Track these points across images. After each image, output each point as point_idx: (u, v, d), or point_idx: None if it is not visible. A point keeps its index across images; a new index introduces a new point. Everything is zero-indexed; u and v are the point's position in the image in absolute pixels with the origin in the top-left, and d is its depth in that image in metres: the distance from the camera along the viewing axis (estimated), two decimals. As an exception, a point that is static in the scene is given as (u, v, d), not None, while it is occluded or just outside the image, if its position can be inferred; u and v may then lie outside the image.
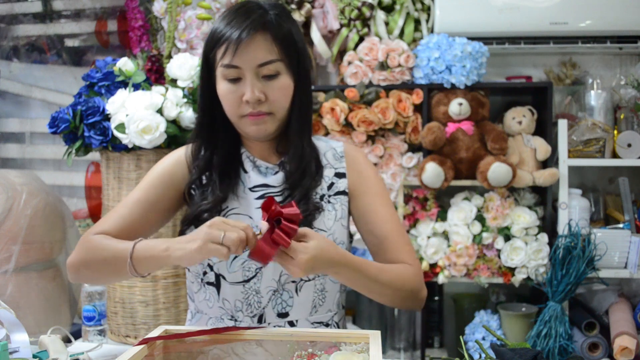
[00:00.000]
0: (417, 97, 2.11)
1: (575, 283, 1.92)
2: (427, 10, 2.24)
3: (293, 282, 1.20)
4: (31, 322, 1.86)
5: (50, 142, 2.70)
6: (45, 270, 2.00)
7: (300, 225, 1.04)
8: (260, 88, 1.15)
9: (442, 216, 2.10)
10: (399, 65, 2.12)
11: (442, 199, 2.19)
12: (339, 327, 1.29)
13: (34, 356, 1.11)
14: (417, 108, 2.14)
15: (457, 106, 2.05)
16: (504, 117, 2.15)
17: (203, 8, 2.16)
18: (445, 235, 2.08)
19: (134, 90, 1.73)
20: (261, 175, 1.24)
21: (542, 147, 2.06)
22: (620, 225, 2.05)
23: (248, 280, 1.20)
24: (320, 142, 1.32)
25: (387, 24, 2.24)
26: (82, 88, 1.81)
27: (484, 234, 2.03)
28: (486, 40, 2.16)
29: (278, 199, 1.22)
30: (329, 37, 2.30)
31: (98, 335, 1.54)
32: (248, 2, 1.19)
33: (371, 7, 2.19)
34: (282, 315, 1.21)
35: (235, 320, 1.22)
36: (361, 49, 2.16)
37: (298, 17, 2.21)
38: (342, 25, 2.25)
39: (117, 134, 1.66)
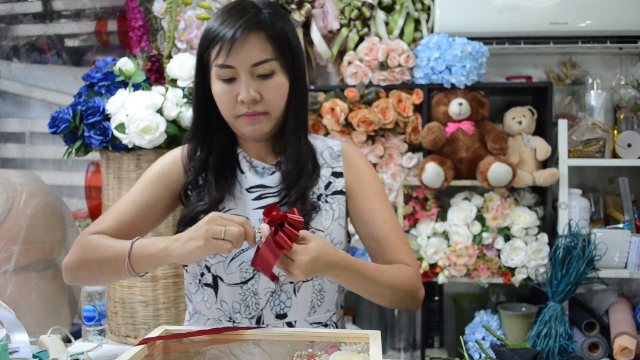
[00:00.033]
0: (417, 97, 2.11)
1: (575, 283, 1.92)
2: (427, 10, 2.24)
3: (291, 282, 1.20)
4: (31, 322, 1.86)
5: (50, 142, 2.70)
6: (45, 270, 2.00)
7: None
8: (255, 87, 1.14)
9: (442, 216, 2.10)
10: (399, 65, 2.12)
11: (442, 199, 2.19)
12: (337, 327, 1.28)
13: (34, 356, 1.11)
14: (417, 108, 2.14)
15: (457, 106, 2.05)
16: (504, 117, 2.15)
17: (203, 8, 2.15)
18: (445, 235, 2.08)
19: (134, 90, 1.73)
20: (258, 176, 1.24)
21: (542, 147, 2.06)
22: (620, 225, 2.05)
23: (246, 282, 1.20)
24: (317, 141, 1.31)
25: (387, 24, 2.24)
26: (82, 88, 1.81)
27: (484, 234, 2.03)
28: (486, 40, 2.16)
29: (275, 199, 1.21)
30: (329, 37, 2.30)
31: (98, 335, 1.54)
32: (242, 0, 1.18)
33: (371, 7, 2.19)
34: (281, 316, 1.21)
35: (234, 322, 1.21)
36: (361, 49, 2.16)
37: (298, 17, 2.21)
38: (342, 25, 2.25)
39: (117, 134, 1.66)
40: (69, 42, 2.70)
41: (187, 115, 1.71)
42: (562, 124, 2.04)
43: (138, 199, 1.23)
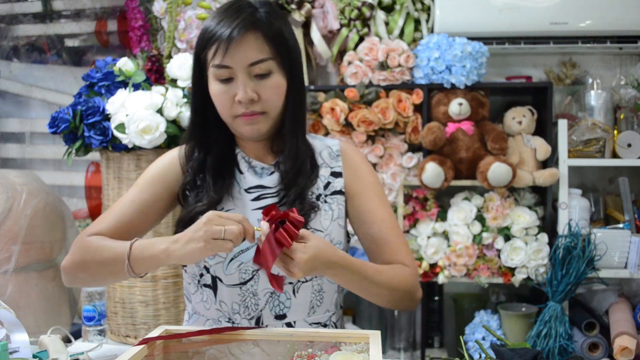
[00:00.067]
0: (417, 97, 2.11)
1: (575, 283, 1.92)
2: (427, 10, 2.24)
3: (290, 283, 1.20)
4: (31, 322, 1.86)
5: (50, 142, 2.70)
6: (45, 270, 2.00)
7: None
8: (253, 87, 1.14)
9: (442, 216, 2.09)
10: (399, 65, 2.12)
11: (442, 199, 2.19)
12: (337, 328, 1.28)
13: (34, 356, 1.11)
14: (417, 108, 2.14)
15: (457, 106, 2.05)
16: (504, 117, 2.15)
17: (203, 8, 2.16)
18: (445, 235, 2.08)
19: (134, 90, 1.73)
20: (256, 176, 1.24)
21: (542, 147, 2.06)
22: (620, 225, 2.05)
23: (245, 283, 1.20)
24: (316, 140, 1.31)
25: (387, 24, 2.24)
26: (82, 88, 1.81)
27: (484, 234, 2.03)
28: (486, 40, 2.16)
29: (274, 200, 1.21)
30: (329, 37, 2.30)
31: (98, 335, 1.54)
32: (238, 0, 1.17)
33: (371, 7, 2.19)
34: (280, 317, 1.20)
35: (233, 323, 1.21)
36: (361, 49, 2.16)
37: (298, 17, 2.21)
38: (342, 25, 2.25)
39: (117, 134, 1.66)
40: (69, 42, 2.70)
41: (187, 115, 1.71)
42: (562, 124, 2.04)
43: (137, 199, 1.23)
